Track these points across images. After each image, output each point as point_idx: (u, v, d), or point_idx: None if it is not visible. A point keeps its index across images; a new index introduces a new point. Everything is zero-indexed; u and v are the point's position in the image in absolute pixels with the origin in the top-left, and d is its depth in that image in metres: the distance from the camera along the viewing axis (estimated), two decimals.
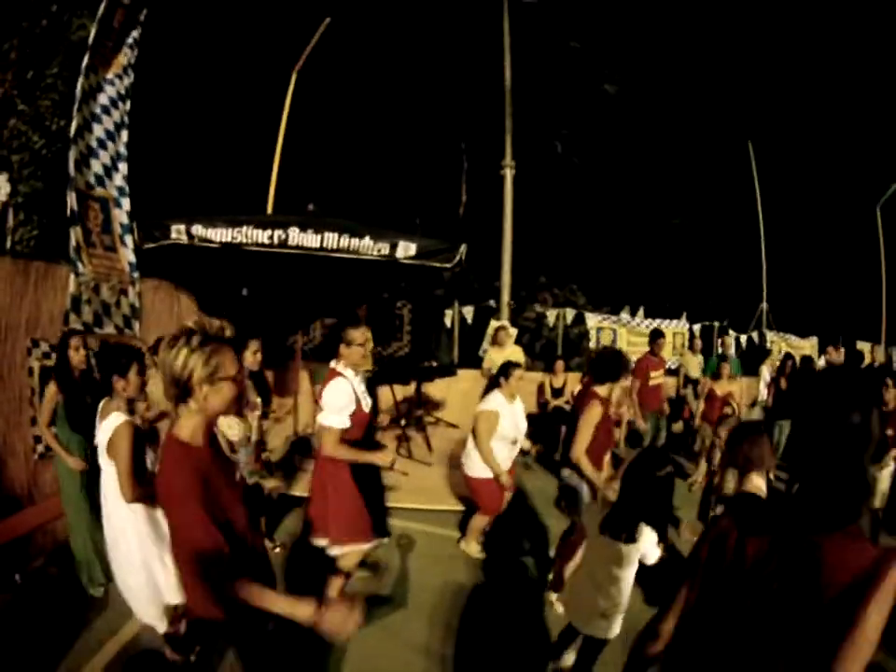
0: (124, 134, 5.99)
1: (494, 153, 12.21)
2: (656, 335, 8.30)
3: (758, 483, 2.57)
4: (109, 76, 5.76)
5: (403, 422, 8.19)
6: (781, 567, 1.49)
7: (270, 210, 10.45)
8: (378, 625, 4.04)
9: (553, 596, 4.42)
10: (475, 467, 5.06)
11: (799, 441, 1.61)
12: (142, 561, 3.47)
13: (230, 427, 4.14)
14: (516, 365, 5.22)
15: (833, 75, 23.02)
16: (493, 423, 4.92)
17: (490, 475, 4.98)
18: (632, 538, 3.05)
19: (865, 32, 23.12)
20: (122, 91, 5.93)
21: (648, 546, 3.10)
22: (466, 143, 19.22)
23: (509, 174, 11.53)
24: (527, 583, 4.87)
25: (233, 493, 2.09)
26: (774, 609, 1.47)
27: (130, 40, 5.95)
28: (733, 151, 17.56)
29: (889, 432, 5.59)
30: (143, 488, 3.43)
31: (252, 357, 4.93)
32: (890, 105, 23.41)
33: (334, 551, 3.90)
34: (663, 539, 3.25)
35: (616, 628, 3.19)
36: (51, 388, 4.34)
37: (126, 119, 6.01)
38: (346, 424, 3.79)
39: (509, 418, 5.00)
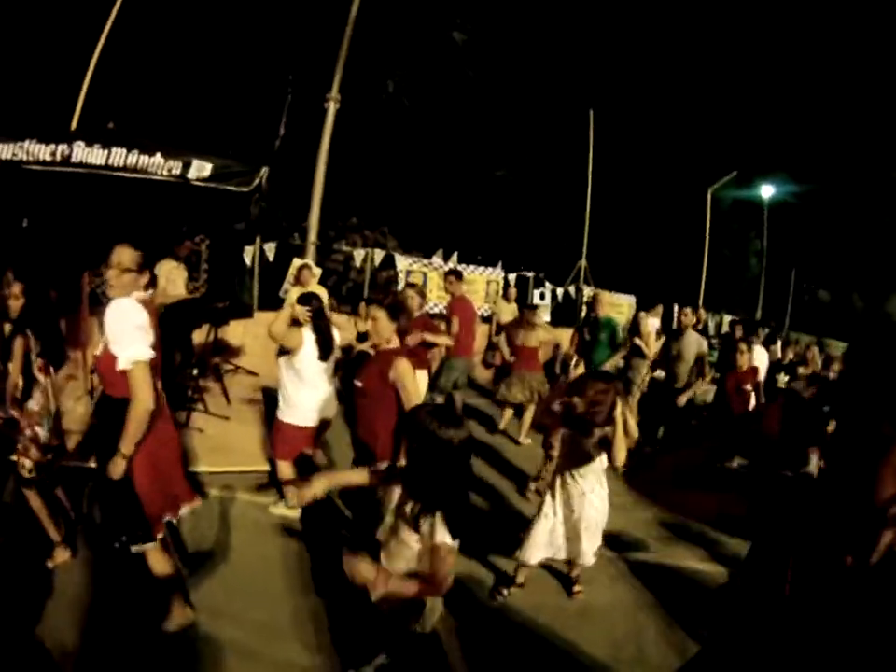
0: None
1: (319, 87, 12.06)
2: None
3: None
4: None
5: (196, 371, 7.64)
6: None
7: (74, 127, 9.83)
8: (212, 614, 3.67)
9: None
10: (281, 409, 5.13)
11: None
12: None
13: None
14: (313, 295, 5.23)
15: (686, 63, 25.37)
16: None
17: (291, 420, 4.97)
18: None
19: (713, 19, 25.58)
20: None
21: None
22: (292, 74, 19.04)
23: (332, 107, 11.46)
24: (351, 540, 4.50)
25: None
26: None
27: None
28: (572, 115, 18.79)
29: (748, 387, 7.39)
30: None
31: (14, 303, 4.04)
32: (735, 99, 26.42)
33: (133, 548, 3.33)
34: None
35: None
36: None
37: None
38: (151, 352, 3.18)
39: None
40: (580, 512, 4.13)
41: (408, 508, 2.65)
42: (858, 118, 26.89)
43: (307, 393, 4.98)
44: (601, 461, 4.13)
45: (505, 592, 4.38)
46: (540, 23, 22.48)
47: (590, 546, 4.23)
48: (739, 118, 27.07)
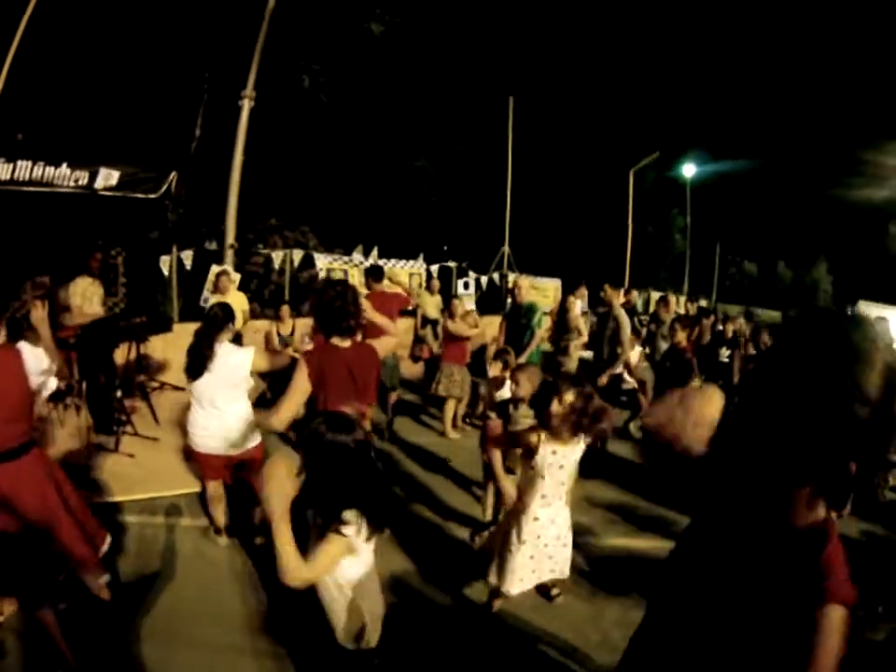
0: None
1: (235, 85, 11.86)
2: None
3: None
4: None
5: (120, 392, 7.28)
6: None
7: None
8: (165, 638, 3.66)
9: None
10: None
11: None
12: None
13: None
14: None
15: (605, 45, 25.98)
16: None
17: (189, 443, 4.64)
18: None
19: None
20: None
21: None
22: (208, 72, 18.59)
23: (247, 105, 11.30)
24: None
25: None
26: None
27: None
28: (491, 101, 19.14)
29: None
30: None
31: None
32: (655, 82, 27.25)
33: None
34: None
35: None
36: None
37: None
38: None
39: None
40: (558, 531, 3.92)
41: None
42: (775, 92, 27.86)
43: (199, 413, 4.54)
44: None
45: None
46: (459, 10, 22.67)
47: (567, 557, 4.03)
48: (658, 98, 27.82)
